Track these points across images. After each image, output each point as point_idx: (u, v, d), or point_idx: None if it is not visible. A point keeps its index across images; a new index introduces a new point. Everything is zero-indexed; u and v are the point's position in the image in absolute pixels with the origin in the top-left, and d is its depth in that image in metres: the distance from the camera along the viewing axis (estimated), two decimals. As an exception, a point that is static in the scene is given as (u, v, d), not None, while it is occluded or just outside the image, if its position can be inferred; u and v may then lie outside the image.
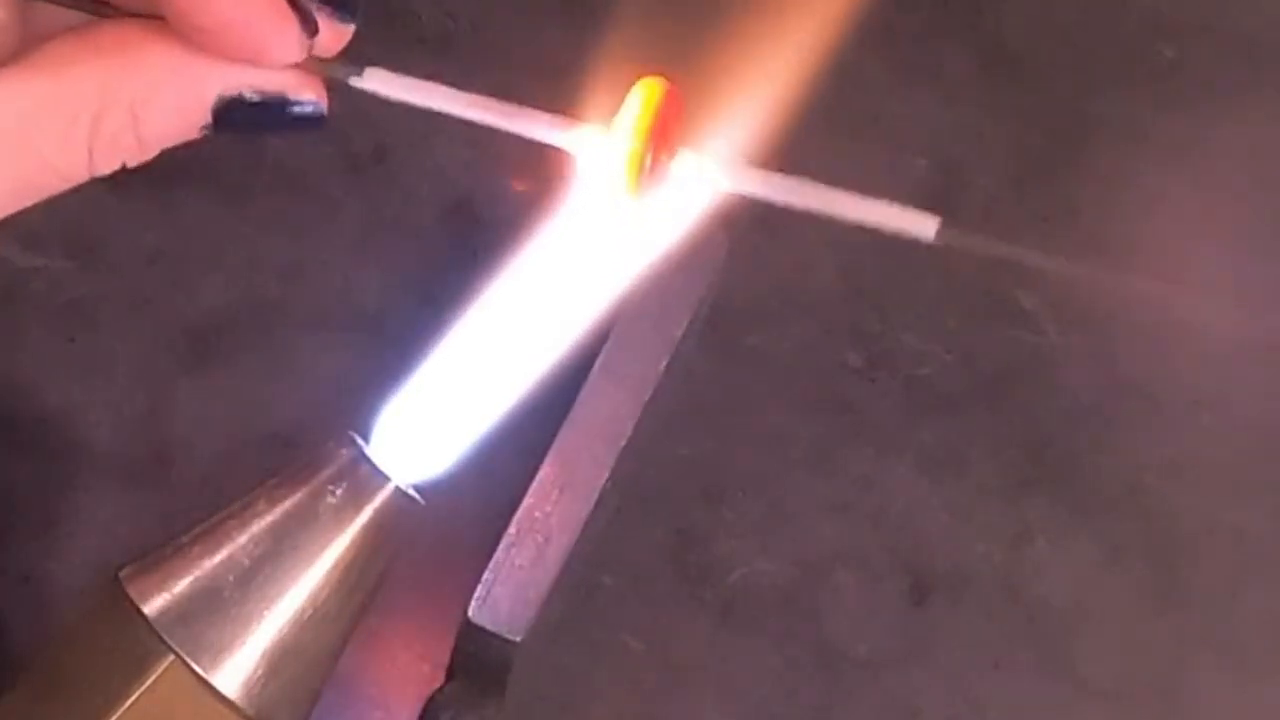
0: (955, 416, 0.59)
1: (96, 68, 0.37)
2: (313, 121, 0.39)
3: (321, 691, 0.43)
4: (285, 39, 0.38)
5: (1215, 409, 0.58)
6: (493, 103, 0.39)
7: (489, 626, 0.42)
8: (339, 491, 0.42)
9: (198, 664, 0.40)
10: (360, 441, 0.43)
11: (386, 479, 0.43)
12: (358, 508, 0.42)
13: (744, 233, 0.61)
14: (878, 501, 0.57)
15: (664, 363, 0.46)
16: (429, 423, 0.43)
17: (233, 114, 0.38)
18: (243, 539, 0.41)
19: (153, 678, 0.40)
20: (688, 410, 0.58)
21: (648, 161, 0.41)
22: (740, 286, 0.56)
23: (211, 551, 0.41)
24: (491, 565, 0.43)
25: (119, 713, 0.40)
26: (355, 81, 0.39)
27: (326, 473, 0.42)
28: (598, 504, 0.46)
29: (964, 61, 0.64)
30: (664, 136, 0.41)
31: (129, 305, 0.61)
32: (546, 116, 0.40)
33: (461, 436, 0.44)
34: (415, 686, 0.55)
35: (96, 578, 0.42)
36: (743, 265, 0.59)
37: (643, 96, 0.41)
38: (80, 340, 0.60)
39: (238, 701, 0.40)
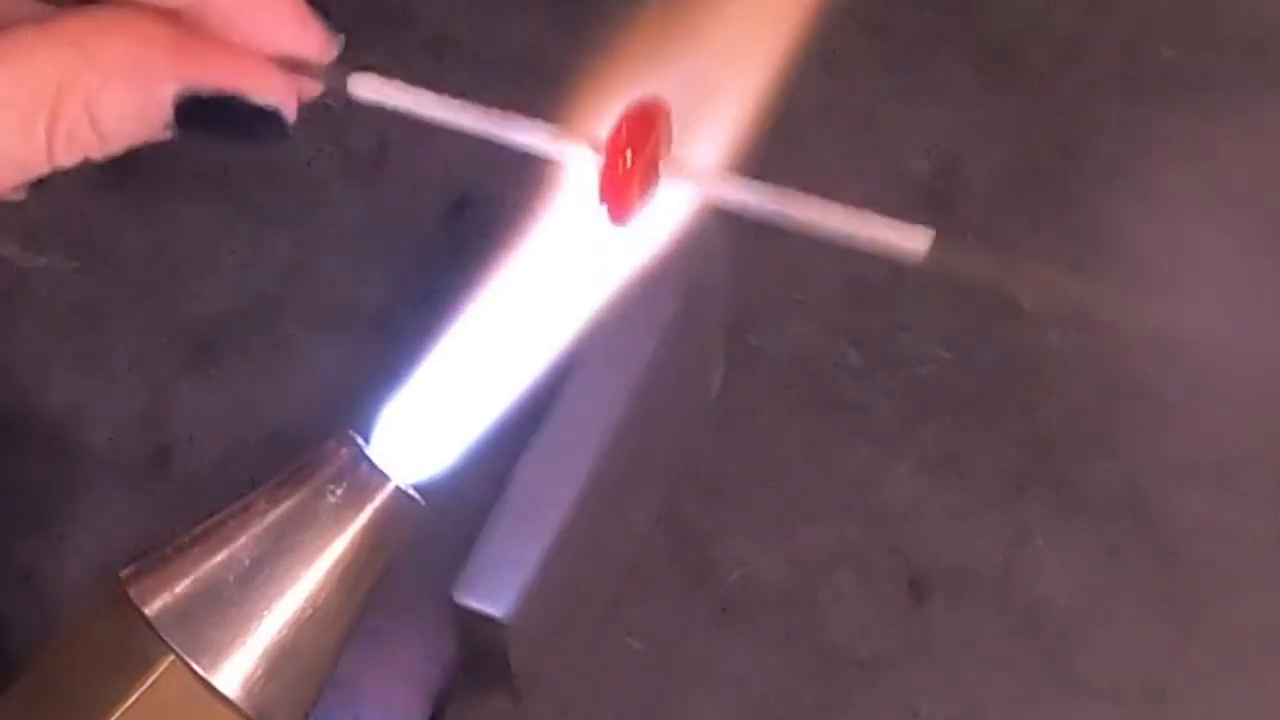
0: (955, 416, 0.59)
1: (53, 60, 0.37)
2: (275, 123, 0.39)
3: (322, 691, 0.43)
4: (313, 32, 0.38)
5: (1215, 409, 0.58)
6: (482, 110, 0.39)
7: (475, 606, 0.42)
8: (339, 491, 0.42)
9: (198, 664, 0.40)
10: (360, 441, 0.43)
11: (386, 479, 0.42)
12: (358, 508, 0.42)
13: (744, 233, 0.61)
14: (878, 501, 0.57)
15: (652, 345, 0.46)
16: (429, 423, 0.43)
17: (193, 113, 0.38)
18: (243, 539, 0.41)
19: (153, 678, 0.40)
20: (688, 410, 0.58)
21: (634, 185, 0.41)
22: (740, 286, 0.56)
23: (211, 551, 0.41)
24: (476, 548, 0.43)
25: (119, 713, 0.40)
26: (348, 86, 0.38)
27: (326, 473, 0.42)
28: (590, 496, 0.46)
29: (963, 61, 0.64)
30: (650, 158, 0.41)
31: (129, 305, 0.61)
32: (538, 125, 0.40)
33: (461, 436, 0.44)
34: (416, 686, 0.55)
35: (96, 578, 0.42)
36: (743, 265, 0.59)
37: (632, 118, 0.41)
38: (81, 340, 0.60)
39: (238, 701, 0.40)
